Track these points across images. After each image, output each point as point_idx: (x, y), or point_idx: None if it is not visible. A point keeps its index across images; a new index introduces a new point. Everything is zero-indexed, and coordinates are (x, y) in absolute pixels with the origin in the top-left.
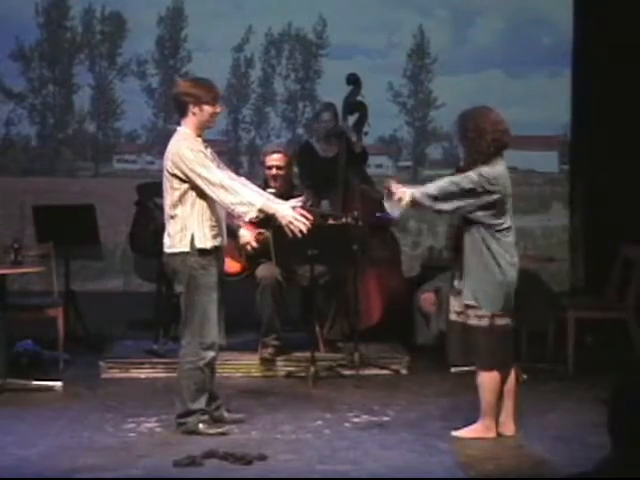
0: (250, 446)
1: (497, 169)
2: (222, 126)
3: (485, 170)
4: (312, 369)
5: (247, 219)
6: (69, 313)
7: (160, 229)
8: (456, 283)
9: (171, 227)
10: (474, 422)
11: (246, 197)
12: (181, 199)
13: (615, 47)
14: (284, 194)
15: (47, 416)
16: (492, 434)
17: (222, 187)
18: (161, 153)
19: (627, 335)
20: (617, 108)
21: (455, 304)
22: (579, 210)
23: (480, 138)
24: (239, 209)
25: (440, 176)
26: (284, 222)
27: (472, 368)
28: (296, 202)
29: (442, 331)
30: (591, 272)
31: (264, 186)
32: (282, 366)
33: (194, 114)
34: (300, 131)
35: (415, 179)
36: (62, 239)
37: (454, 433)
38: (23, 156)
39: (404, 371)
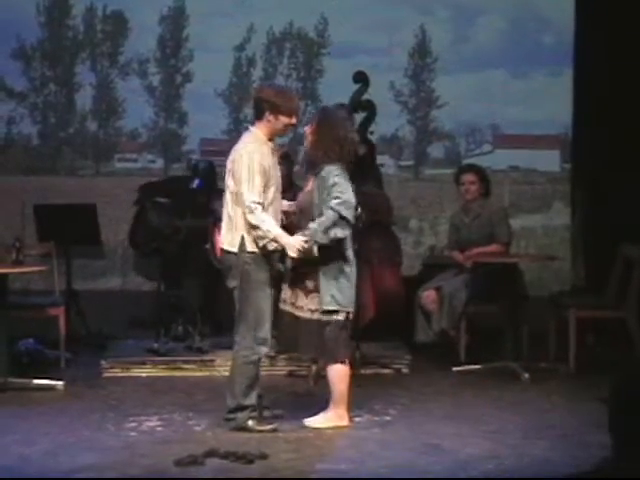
0: (251, 445)
1: None
2: (224, 125)
3: None
4: (313, 368)
5: (260, 245)
6: (70, 312)
7: (155, 229)
8: (309, 284)
9: (225, 225)
10: (474, 420)
11: (267, 225)
12: (233, 199)
13: (616, 46)
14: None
15: (48, 415)
16: (345, 422)
17: (250, 210)
18: (162, 152)
19: (627, 334)
20: (618, 107)
21: (309, 303)
22: (580, 209)
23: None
24: (256, 232)
25: (442, 175)
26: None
27: (475, 367)
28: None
29: (443, 329)
30: (592, 271)
31: None
32: (283, 365)
33: (269, 121)
34: (301, 130)
35: (417, 178)
36: (63, 238)
37: (306, 421)
38: (24, 155)
39: (405, 370)
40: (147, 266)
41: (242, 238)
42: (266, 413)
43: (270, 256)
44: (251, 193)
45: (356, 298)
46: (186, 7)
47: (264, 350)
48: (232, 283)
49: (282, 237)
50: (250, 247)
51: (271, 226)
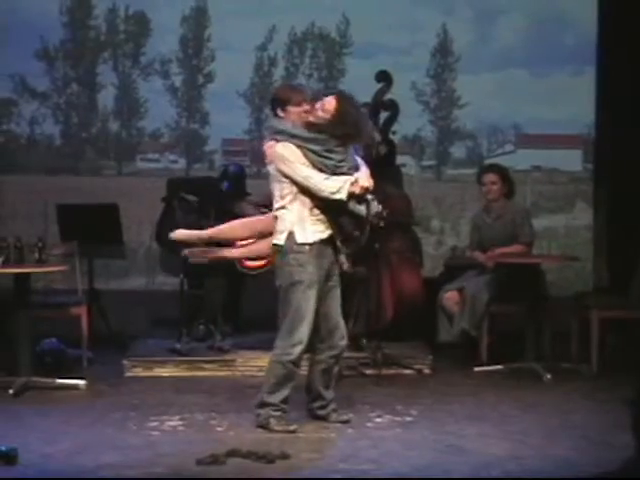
0: (272, 445)
1: None
2: (245, 125)
3: None
4: (335, 368)
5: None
6: (93, 312)
7: (180, 226)
8: None
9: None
10: (495, 421)
11: (329, 187)
12: (276, 199)
13: (639, 45)
14: None
15: (71, 414)
16: None
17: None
18: (184, 152)
19: None
20: None
21: None
22: (603, 209)
23: None
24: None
25: (463, 175)
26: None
27: (497, 368)
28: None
29: (465, 330)
30: (615, 271)
31: None
32: (305, 365)
33: (282, 116)
34: None
35: (439, 178)
36: (86, 238)
37: None
38: (47, 155)
39: (427, 370)
40: (170, 265)
41: (290, 233)
42: (334, 416)
43: (319, 253)
44: (304, 179)
45: (375, 299)
46: (208, 7)
47: (297, 351)
48: (277, 282)
49: (349, 179)
50: (301, 238)
51: (334, 182)
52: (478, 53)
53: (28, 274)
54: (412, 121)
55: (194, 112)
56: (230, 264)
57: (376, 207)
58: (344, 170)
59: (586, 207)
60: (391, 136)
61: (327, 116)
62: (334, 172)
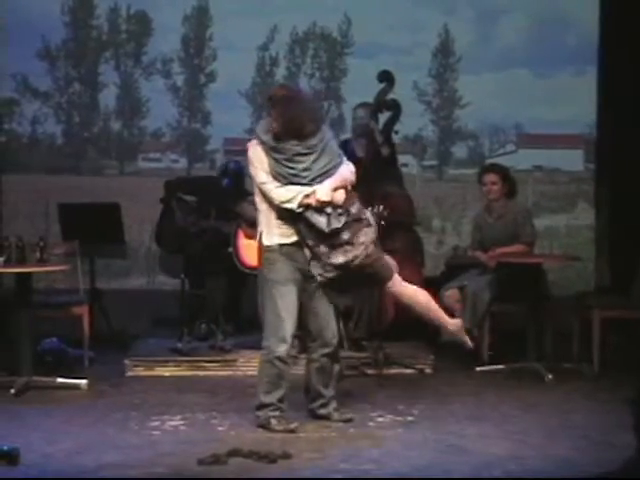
0: (274, 444)
1: None
2: (247, 124)
3: None
4: (336, 368)
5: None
6: (94, 311)
7: (180, 227)
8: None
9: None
10: (497, 420)
11: (283, 195)
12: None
13: None
14: None
15: (72, 414)
16: None
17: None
18: (185, 152)
19: None
20: None
21: None
22: (604, 209)
23: None
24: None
25: (465, 175)
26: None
27: (498, 367)
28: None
29: (466, 329)
30: (616, 271)
31: None
32: (303, 365)
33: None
34: None
35: (440, 178)
36: (87, 237)
37: None
38: (49, 154)
39: (428, 370)
40: (171, 265)
41: (260, 234)
42: (335, 415)
43: (290, 254)
44: (261, 184)
45: (376, 301)
46: (209, 7)
47: (283, 348)
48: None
49: (304, 190)
50: (267, 241)
51: (287, 192)
52: (479, 53)
53: (30, 274)
54: (414, 121)
55: (196, 111)
56: (231, 264)
57: (337, 223)
58: (305, 181)
59: (587, 207)
60: (393, 136)
61: (275, 125)
62: (290, 182)
